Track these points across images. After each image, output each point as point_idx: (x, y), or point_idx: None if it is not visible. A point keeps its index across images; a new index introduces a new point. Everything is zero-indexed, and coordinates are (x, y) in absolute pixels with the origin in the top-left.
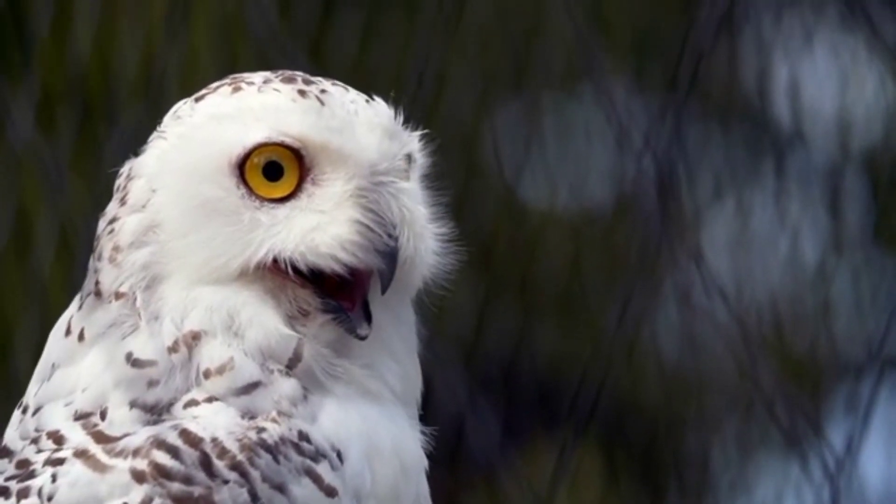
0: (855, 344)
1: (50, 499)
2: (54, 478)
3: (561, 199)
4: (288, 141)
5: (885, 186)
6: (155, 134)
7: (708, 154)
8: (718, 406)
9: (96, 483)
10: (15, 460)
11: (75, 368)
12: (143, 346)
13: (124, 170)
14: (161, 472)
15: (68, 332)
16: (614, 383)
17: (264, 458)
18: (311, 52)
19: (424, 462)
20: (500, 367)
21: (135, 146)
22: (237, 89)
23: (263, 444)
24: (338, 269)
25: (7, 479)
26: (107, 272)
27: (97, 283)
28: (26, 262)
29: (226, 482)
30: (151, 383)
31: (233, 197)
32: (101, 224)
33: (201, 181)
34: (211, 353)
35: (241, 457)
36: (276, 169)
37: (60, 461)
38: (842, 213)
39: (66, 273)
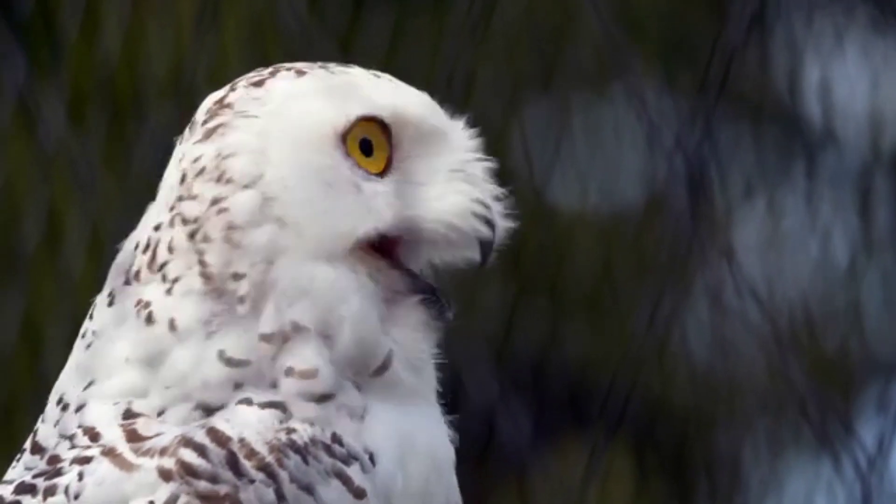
0: (886, 343)
1: (76, 497)
2: (81, 476)
3: (591, 200)
4: (384, 115)
5: None
6: (228, 116)
7: (739, 154)
8: (749, 406)
9: (123, 482)
10: (46, 457)
11: (169, 358)
12: (236, 342)
13: (203, 152)
14: (188, 471)
15: (150, 321)
16: (645, 384)
17: (293, 459)
18: (340, 51)
19: (453, 458)
20: (530, 367)
21: (165, 145)
22: (301, 73)
23: (293, 445)
24: (454, 237)
25: (35, 477)
26: (218, 253)
27: (205, 264)
28: (57, 261)
29: (252, 482)
30: (237, 386)
31: (343, 168)
32: (192, 207)
33: (313, 152)
34: (300, 354)
35: (269, 458)
36: (367, 146)
37: (88, 459)
38: (872, 214)
39: (96, 272)
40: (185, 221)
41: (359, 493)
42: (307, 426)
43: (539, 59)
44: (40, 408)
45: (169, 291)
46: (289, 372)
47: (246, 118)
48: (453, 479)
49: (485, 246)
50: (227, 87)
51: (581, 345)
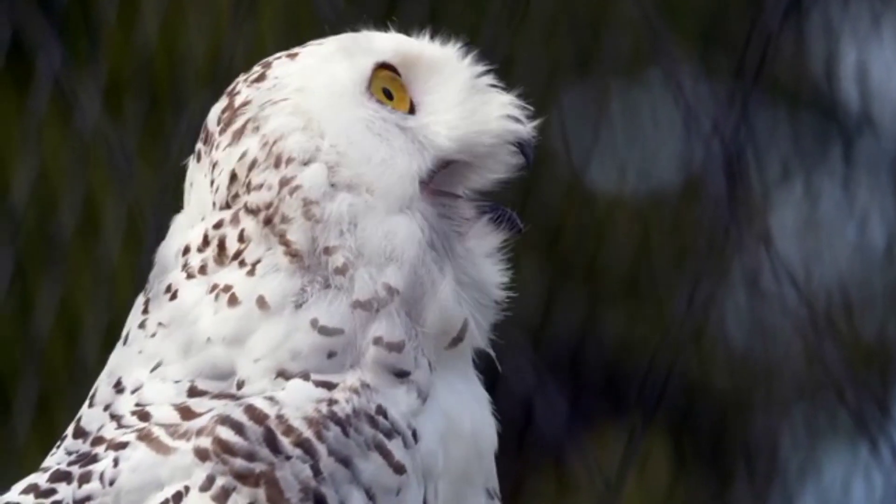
0: None
1: (111, 483)
2: (116, 462)
3: (628, 184)
4: (393, 59)
5: None
6: (252, 111)
7: (776, 138)
8: (787, 390)
9: (158, 466)
10: (90, 439)
11: (258, 332)
12: (328, 311)
13: (246, 147)
14: (224, 448)
15: (234, 302)
16: (682, 368)
17: (333, 431)
18: None
19: (496, 443)
20: (567, 352)
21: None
22: (294, 54)
23: (333, 417)
24: (500, 145)
25: (70, 464)
26: (301, 230)
27: (288, 243)
28: (94, 249)
29: (288, 458)
30: (331, 355)
31: (383, 114)
32: (260, 196)
33: (352, 109)
34: (390, 326)
35: (307, 433)
36: (388, 94)
37: (123, 445)
38: None
39: (133, 260)
40: (254, 211)
41: (398, 468)
42: (353, 396)
43: (577, 45)
44: (77, 394)
45: (251, 273)
46: (377, 341)
47: (274, 104)
48: (493, 465)
49: (526, 146)
50: (224, 97)
51: (618, 329)
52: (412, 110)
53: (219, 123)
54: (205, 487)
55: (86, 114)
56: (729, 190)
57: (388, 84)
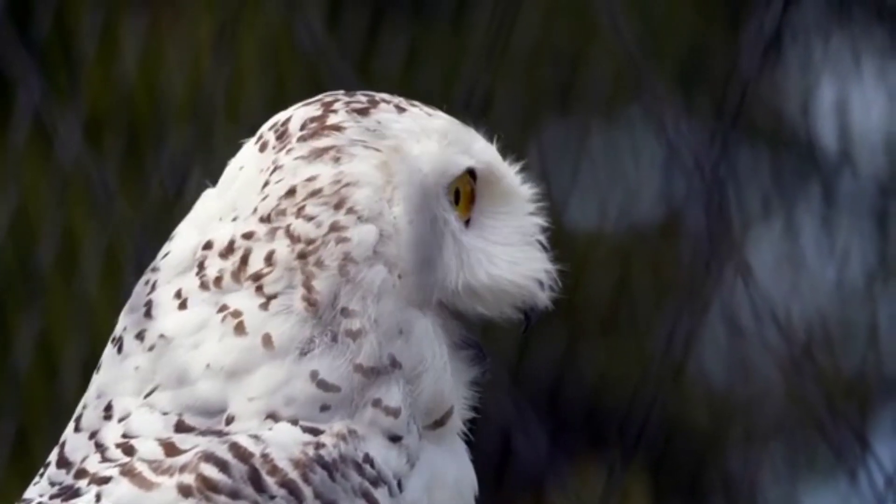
0: None
1: None
2: (98, 497)
3: (608, 220)
4: (481, 169)
5: None
6: (342, 140)
7: (756, 175)
8: (766, 426)
9: (141, 501)
10: (73, 471)
11: (257, 371)
12: (330, 367)
13: (318, 172)
14: (208, 486)
15: (240, 331)
16: (662, 404)
17: (319, 475)
18: (358, 72)
19: (477, 491)
20: (547, 387)
21: (182, 168)
22: (402, 109)
23: (320, 461)
24: (520, 301)
25: (52, 497)
26: (328, 282)
27: (310, 289)
28: (73, 283)
29: (272, 498)
30: (324, 408)
31: (449, 217)
32: (306, 227)
33: (429, 198)
34: (390, 391)
35: (292, 474)
36: (457, 196)
37: (106, 480)
38: (889, 235)
39: (112, 294)
40: (293, 238)
41: None
42: (340, 442)
43: (558, 80)
44: (56, 429)
45: (264, 306)
46: (376, 403)
47: (366, 149)
48: None
49: (534, 314)
50: (318, 105)
51: (598, 365)
52: (467, 223)
53: (302, 129)
54: None
55: (65, 148)
56: (709, 226)
57: (462, 187)
